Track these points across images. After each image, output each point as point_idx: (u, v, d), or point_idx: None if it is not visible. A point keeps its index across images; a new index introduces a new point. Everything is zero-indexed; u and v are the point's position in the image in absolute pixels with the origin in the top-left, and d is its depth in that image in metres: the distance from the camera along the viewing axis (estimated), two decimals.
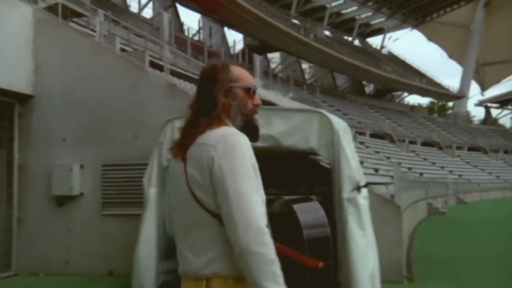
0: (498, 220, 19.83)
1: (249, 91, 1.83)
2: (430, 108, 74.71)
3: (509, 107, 70.84)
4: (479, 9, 62.59)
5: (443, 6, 59.13)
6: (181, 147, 1.76)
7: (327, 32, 59.30)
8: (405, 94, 64.53)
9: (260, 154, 1.88)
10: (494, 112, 72.14)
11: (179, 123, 5.23)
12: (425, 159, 42.57)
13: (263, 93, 28.18)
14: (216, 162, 1.64)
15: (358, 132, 40.43)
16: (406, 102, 65.87)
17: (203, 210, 1.68)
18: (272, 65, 53.74)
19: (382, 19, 61.92)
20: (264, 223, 1.61)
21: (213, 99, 1.78)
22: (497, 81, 68.88)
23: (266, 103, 25.83)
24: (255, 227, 1.58)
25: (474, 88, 69.43)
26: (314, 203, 1.95)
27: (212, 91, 1.78)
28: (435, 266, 8.85)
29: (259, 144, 5.51)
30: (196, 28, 39.89)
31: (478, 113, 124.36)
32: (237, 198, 1.60)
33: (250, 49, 40.67)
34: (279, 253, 1.62)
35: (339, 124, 5.72)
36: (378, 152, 33.92)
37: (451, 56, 68.94)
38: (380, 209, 7.17)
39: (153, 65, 14.77)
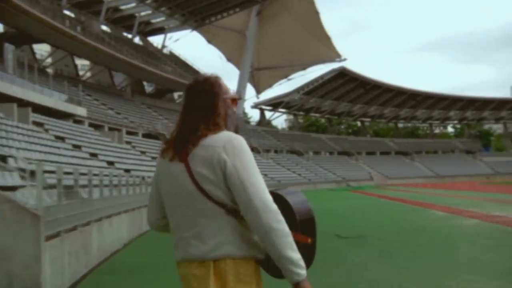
0: None
1: (235, 101, 2.13)
2: None
3: (280, 110, 76.99)
4: (253, 17, 66.55)
5: (220, 11, 61.16)
6: (181, 150, 1.96)
7: (105, 28, 56.84)
8: None
9: None
10: (268, 114, 77.75)
11: None
12: None
13: (13, 89, 24.82)
14: (228, 162, 1.88)
15: (129, 132, 39.21)
16: None
17: (210, 202, 1.91)
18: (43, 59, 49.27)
19: (163, 18, 61.63)
20: (276, 206, 1.89)
21: (214, 109, 2.01)
22: (270, 85, 74.25)
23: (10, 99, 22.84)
24: (272, 209, 1.87)
25: (250, 91, 73.51)
26: (294, 189, 2.22)
27: (213, 103, 2.02)
28: (121, 275, 8.03)
29: None
30: None
31: (254, 115, 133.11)
32: (253, 189, 1.87)
33: (6, 38, 36.27)
34: None
35: None
36: (144, 152, 33.04)
37: (229, 59, 72.03)
38: (15, 220, 5.99)
39: None
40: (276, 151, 64.84)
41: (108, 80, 54.73)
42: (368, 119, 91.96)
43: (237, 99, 2.18)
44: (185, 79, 58.32)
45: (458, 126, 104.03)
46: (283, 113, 79.92)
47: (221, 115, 2.03)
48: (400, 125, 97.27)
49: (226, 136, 1.96)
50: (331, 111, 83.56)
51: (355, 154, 78.44)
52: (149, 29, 63.01)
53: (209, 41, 69.23)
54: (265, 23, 67.96)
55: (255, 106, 74.56)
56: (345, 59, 71.15)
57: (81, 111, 31.48)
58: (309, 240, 2.04)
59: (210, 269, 1.91)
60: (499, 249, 9.39)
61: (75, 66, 52.03)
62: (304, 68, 73.12)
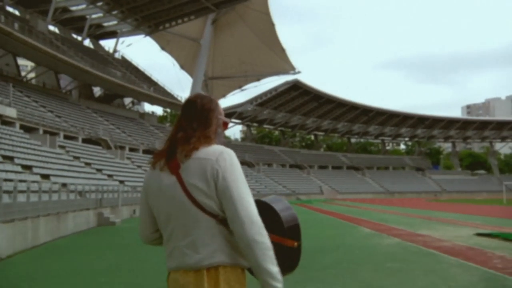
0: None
1: (226, 125, 2.23)
2: (162, 117, 75.56)
3: (233, 120, 76.08)
4: (208, 25, 65.60)
5: (174, 17, 59.94)
6: (173, 161, 2.04)
7: (53, 28, 54.88)
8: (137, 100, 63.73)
9: None
10: None
11: None
12: (139, 166, 41.76)
13: None
14: (220, 174, 1.96)
15: (68, 136, 37.55)
16: (136, 109, 65.24)
17: (202, 213, 1.98)
18: None
19: (115, 22, 60.07)
20: (260, 220, 1.95)
21: (209, 124, 2.11)
22: (223, 95, 73.27)
23: None
24: (257, 222, 1.93)
25: None
26: (278, 196, 2.32)
27: (208, 117, 2.12)
28: None
29: None
30: None
31: None
32: (240, 201, 1.94)
33: None
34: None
35: None
36: (78, 158, 31.48)
37: (182, 67, 70.70)
38: None
39: None
40: None
41: (53, 82, 52.65)
42: (322, 133, 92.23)
43: (228, 124, 2.27)
44: (136, 85, 56.89)
45: (410, 143, 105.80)
46: (236, 123, 79.10)
47: (212, 130, 2.11)
48: (354, 140, 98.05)
49: (218, 150, 2.03)
50: (284, 124, 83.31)
51: (307, 168, 78.32)
52: (100, 32, 61.33)
53: (163, 47, 67.88)
54: (220, 32, 67.17)
55: None
56: (299, 72, 71.01)
57: (10, 111, 29.74)
58: (295, 244, 2.13)
59: (204, 277, 1.96)
60: (400, 273, 8.78)
61: (17, 66, 49.83)
62: (258, 79, 72.52)
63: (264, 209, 2.12)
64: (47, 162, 24.17)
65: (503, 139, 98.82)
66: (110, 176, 31.55)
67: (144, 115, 64.23)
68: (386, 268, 9.33)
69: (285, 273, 2.13)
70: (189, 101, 2.18)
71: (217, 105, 2.19)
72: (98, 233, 17.71)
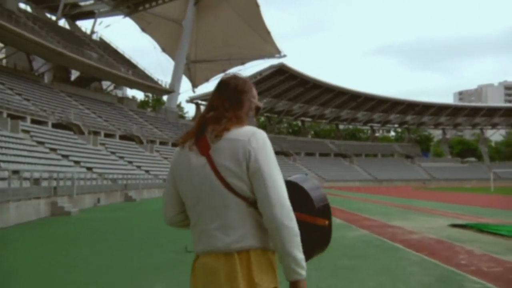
0: (117, 218, 17.85)
1: (258, 110, 2.18)
2: (144, 102, 73.51)
3: None
4: (190, 6, 63.49)
5: None
6: (202, 141, 1.98)
7: (24, 6, 52.66)
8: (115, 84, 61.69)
9: None
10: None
11: None
12: (113, 152, 39.99)
13: None
14: (252, 155, 1.91)
15: (35, 121, 35.68)
16: (115, 93, 63.28)
17: (233, 195, 1.93)
18: None
19: (91, 2, 57.88)
20: (289, 204, 1.91)
21: (240, 105, 2.05)
22: (206, 79, 71.34)
23: None
24: (287, 206, 1.89)
25: (187, 84, 70.55)
26: (305, 176, 2.29)
27: (241, 98, 2.07)
28: None
29: None
30: None
31: (190, 110, 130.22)
32: (272, 183, 1.89)
33: None
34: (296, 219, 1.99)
35: None
36: (42, 143, 29.65)
37: (164, 49, 68.62)
38: None
39: None
40: None
41: (25, 64, 50.51)
42: (309, 119, 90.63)
43: (260, 108, 2.20)
44: (113, 67, 54.82)
45: (399, 130, 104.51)
46: None
47: (244, 111, 2.06)
48: (342, 126, 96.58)
49: (250, 130, 1.99)
50: (270, 109, 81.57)
51: (293, 155, 76.85)
52: (76, 12, 59.06)
53: (143, 29, 65.72)
54: (203, 14, 65.06)
55: (191, 100, 71.30)
56: (285, 55, 69.20)
57: None
58: (326, 222, 2.12)
59: (236, 261, 1.92)
60: (350, 273, 7.36)
61: None
62: (242, 63, 70.56)
63: (294, 189, 2.07)
64: (1, 148, 22.40)
65: (494, 126, 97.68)
66: (77, 162, 29.77)
67: (123, 100, 62.22)
68: (338, 267, 7.83)
69: (317, 252, 2.15)
70: (223, 81, 2.13)
71: (251, 87, 2.13)
72: (46, 224, 16.03)
